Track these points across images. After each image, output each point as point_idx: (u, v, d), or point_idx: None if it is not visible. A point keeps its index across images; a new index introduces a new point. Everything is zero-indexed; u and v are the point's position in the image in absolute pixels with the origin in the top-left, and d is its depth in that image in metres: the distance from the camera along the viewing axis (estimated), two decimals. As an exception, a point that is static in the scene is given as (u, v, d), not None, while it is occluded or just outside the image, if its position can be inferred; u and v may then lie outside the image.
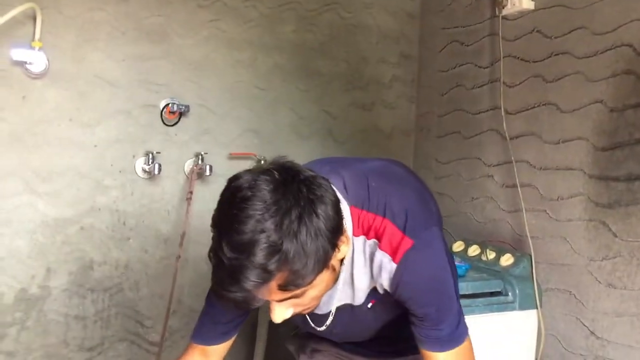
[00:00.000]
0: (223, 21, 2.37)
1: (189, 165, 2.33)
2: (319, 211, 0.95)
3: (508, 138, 2.18)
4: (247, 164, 2.44)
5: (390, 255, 1.08)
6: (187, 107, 2.29)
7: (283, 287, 0.95)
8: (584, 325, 1.90)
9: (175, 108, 2.26)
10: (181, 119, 2.31)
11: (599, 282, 1.85)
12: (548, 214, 2.04)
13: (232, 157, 2.41)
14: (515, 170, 2.14)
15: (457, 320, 1.17)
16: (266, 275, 0.91)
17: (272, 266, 0.91)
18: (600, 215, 1.86)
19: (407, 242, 1.08)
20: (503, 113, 2.20)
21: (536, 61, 2.11)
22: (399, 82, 2.77)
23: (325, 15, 2.58)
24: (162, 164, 2.24)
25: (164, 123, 2.28)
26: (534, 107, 2.11)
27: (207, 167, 2.29)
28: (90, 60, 2.15)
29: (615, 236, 1.80)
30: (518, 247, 2.12)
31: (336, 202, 1.00)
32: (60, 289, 2.15)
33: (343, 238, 1.02)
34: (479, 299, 1.93)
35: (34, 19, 2.02)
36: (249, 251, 0.90)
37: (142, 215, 2.27)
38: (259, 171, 0.97)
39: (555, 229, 2.01)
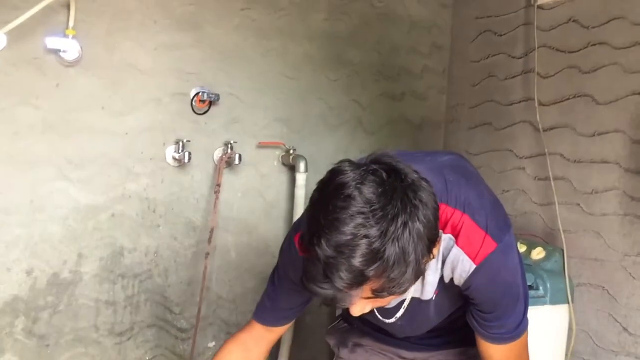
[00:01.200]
0: (254, 10, 2.37)
1: (218, 153, 2.34)
2: (422, 218, 0.92)
3: (541, 130, 2.14)
4: (276, 154, 2.44)
5: (469, 255, 1.06)
6: (217, 95, 2.29)
7: (377, 292, 0.93)
8: (617, 321, 1.87)
9: (205, 97, 2.27)
10: (211, 107, 2.32)
11: (633, 277, 1.81)
12: (582, 207, 2.00)
13: (261, 146, 2.42)
14: (548, 162, 2.11)
15: (519, 320, 1.17)
16: (362, 279, 0.89)
17: (370, 272, 0.89)
18: (636, 209, 1.81)
19: (491, 245, 1.06)
20: (537, 104, 2.16)
21: (572, 51, 2.07)
22: (430, 72, 2.73)
23: (357, 4, 2.56)
24: (192, 152, 2.25)
25: (194, 111, 2.29)
26: (569, 98, 2.07)
27: (236, 155, 2.29)
28: (122, 48, 2.17)
29: (652, 232, 1.76)
30: (550, 241, 2.09)
31: (437, 207, 0.97)
32: (91, 274, 2.18)
33: (438, 242, 1.00)
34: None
35: (68, 7, 2.04)
36: (349, 254, 0.88)
37: (171, 203, 2.29)
38: (365, 169, 0.93)
39: (589, 223, 1.97)
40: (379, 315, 1.26)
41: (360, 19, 2.57)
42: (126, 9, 2.16)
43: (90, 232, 2.17)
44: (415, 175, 0.95)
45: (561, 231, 2.02)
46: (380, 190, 0.90)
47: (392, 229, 0.88)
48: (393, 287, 0.92)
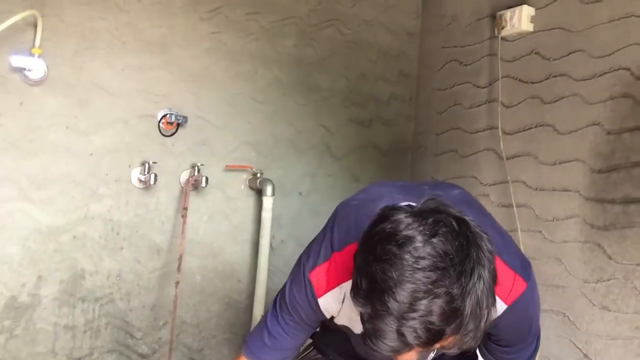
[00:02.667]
0: (224, 34, 2.38)
1: (184, 176, 2.32)
2: (491, 267, 0.89)
3: (505, 158, 2.18)
4: (243, 177, 2.44)
5: (500, 296, 1.03)
6: (185, 118, 2.29)
7: (446, 348, 0.90)
8: (577, 347, 1.89)
9: (173, 119, 2.26)
10: (179, 129, 2.31)
11: (593, 304, 1.85)
12: (543, 234, 2.04)
13: (228, 169, 2.41)
14: (511, 190, 2.15)
15: (534, 347, 1.18)
16: (439, 337, 0.86)
17: (448, 330, 0.85)
18: (596, 237, 1.85)
19: (521, 285, 1.06)
20: (500, 133, 2.21)
21: (534, 82, 2.12)
22: (397, 99, 2.77)
23: (326, 31, 2.59)
24: (158, 174, 2.23)
25: (161, 133, 2.28)
26: (531, 127, 2.12)
27: (203, 178, 2.28)
28: (90, 68, 2.15)
29: (610, 258, 1.80)
30: (513, 268, 2.11)
31: (494, 255, 0.92)
32: (50, 297, 2.13)
33: None
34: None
35: (35, 26, 2.02)
36: (427, 311, 0.84)
37: (136, 225, 2.26)
38: (434, 219, 0.88)
39: (550, 250, 2.01)
40: None
41: (329, 45, 2.60)
42: (95, 29, 2.15)
43: (50, 254, 2.12)
44: (478, 227, 0.91)
45: (524, 258, 2.05)
46: (456, 243, 0.86)
47: (470, 284, 0.85)
48: (467, 341, 0.88)
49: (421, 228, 0.86)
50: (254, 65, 2.45)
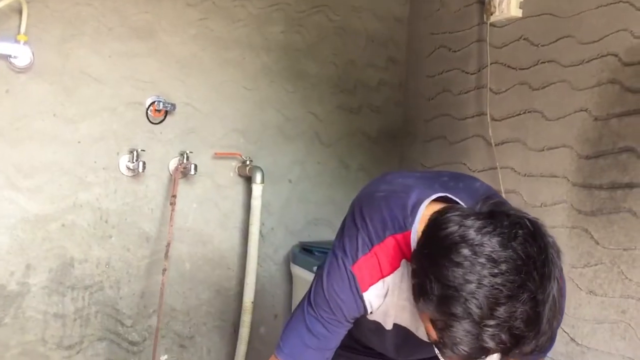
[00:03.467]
0: (211, 20, 2.36)
1: (173, 164, 2.31)
2: (561, 269, 0.89)
3: (493, 144, 2.19)
4: (232, 164, 2.43)
5: None
6: (173, 105, 2.28)
7: (523, 353, 0.89)
8: (565, 331, 1.92)
9: (161, 106, 2.25)
10: (167, 117, 2.29)
11: (580, 289, 1.87)
12: (531, 220, 2.05)
13: (217, 156, 2.40)
14: (499, 176, 2.16)
15: (554, 339, 1.17)
16: (519, 343, 0.85)
17: (530, 335, 0.85)
18: (583, 222, 1.87)
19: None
20: (489, 119, 2.21)
21: (522, 69, 2.13)
22: (386, 86, 2.77)
23: (314, 17, 2.58)
24: (147, 162, 2.23)
25: (150, 121, 2.26)
26: (520, 114, 2.13)
27: (192, 166, 2.27)
28: (76, 55, 2.13)
29: (597, 244, 1.82)
30: (501, 253, 2.13)
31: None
32: (39, 286, 2.12)
33: None
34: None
35: (20, 12, 2.00)
36: (510, 317, 0.83)
37: (124, 213, 2.25)
38: (507, 221, 0.87)
39: (538, 235, 2.02)
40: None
41: (318, 32, 2.59)
42: (80, 15, 2.13)
43: (39, 243, 2.11)
44: (550, 235, 0.90)
45: (512, 243, 2.07)
46: (535, 247, 0.85)
47: (549, 288, 0.84)
48: (541, 345, 0.87)
49: (497, 230, 0.85)
50: (242, 52, 2.43)
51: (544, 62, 2.04)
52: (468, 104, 2.39)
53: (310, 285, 1.19)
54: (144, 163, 2.20)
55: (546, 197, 2.01)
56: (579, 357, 1.87)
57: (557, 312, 0.86)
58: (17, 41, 1.99)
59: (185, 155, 2.30)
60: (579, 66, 1.92)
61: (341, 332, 1.17)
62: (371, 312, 1.13)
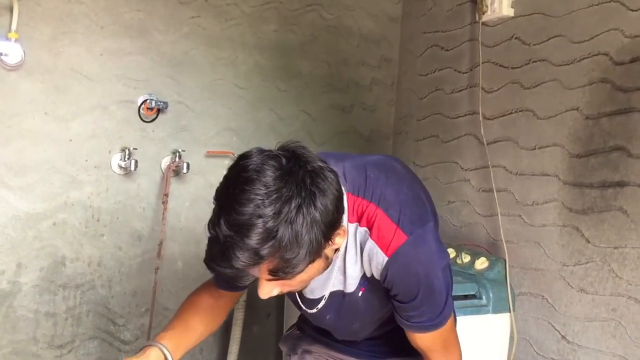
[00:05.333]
0: (204, 18, 2.36)
1: (165, 162, 2.31)
2: (318, 204, 0.96)
3: (485, 143, 2.20)
4: (225, 163, 2.43)
5: (381, 247, 1.09)
6: (166, 103, 2.27)
7: (273, 272, 0.97)
8: (556, 329, 1.93)
9: (153, 104, 2.24)
10: (159, 115, 2.29)
11: (571, 287, 1.88)
12: (523, 218, 2.06)
13: (210, 155, 2.40)
14: (491, 175, 2.16)
15: (439, 310, 1.19)
16: (257, 259, 0.94)
17: (264, 251, 0.93)
18: (574, 221, 1.88)
19: (401, 237, 1.08)
20: (481, 118, 2.22)
21: (514, 67, 2.14)
22: (379, 85, 2.77)
23: (307, 16, 2.58)
24: (139, 160, 2.22)
25: (142, 119, 2.26)
26: (512, 113, 2.14)
27: (184, 164, 2.27)
28: (68, 53, 2.12)
29: (588, 242, 1.83)
30: (493, 251, 2.14)
31: (339, 197, 1.01)
32: (30, 284, 2.11)
33: (339, 231, 1.04)
34: (454, 302, 1.93)
35: (11, 9, 1.99)
36: (244, 233, 0.92)
37: (116, 212, 2.24)
38: (268, 154, 0.98)
39: (530, 234, 2.03)
40: (302, 306, 1.29)
41: (310, 31, 2.59)
42: (72, 13, 2.12)
43: (30, 242, 2.10)
44: (319, 164, 1.00)
45: (503, 242, 2.07)
46: (277, 173, 0.95)
47: (285, 210, 0.93)
48: (287, 267, 0.96)
49: (255, 160, 0.97)
50: (235, 51, 2.43)
51: (536, 61, 2.05)
52: (460, 103, 2.39)
53: None
54: (136, 161, 2.20)
55: (538, 195, 2.01)
56: (570, 354, 1.88)
57: (302, 237, 0.94)
58: (7, 39, 1.98)
59: (177, 154, 2.30)
60: (570, 65, 1.92)
61: None
62: None
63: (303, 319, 1.52)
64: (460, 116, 2.39)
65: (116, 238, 2.25)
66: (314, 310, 1.26)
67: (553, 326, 1.94)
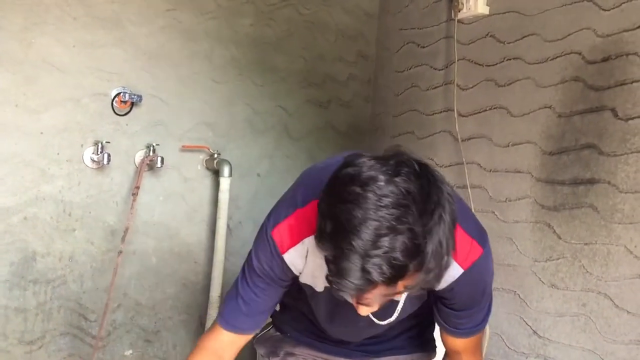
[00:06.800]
0: (180, 11, 2.33)
1: (139, 156, 2.28)
2: (452, 211, 0.91)
3: (460, 140, 2.22)
4: (200, 158, 2.41)
5: (457, 260, 1.06)
6: (140, 97, 2.24)
7: (409, 287, 0.92)
8: (527, 324, 1.95)
9: (127, 97, 2.21)
10: (133, 109, 2.26)
11: (543, 282, 1.90)
12: (496, 215, 2.08)
13: (185, 149, 2.38)
14: (466, 171, 2.18)
15: (485, 314, 1.21)
16: (402, 274, 0.87)
17: (411, 267, 0.87)
18: (546, 217, 1.90)
19: (477, 250, 1.08)
20: (456, 115, 2.24)
21: (489, 65, 2.15)
22: (356, 81, 2.78)
23: (284, 11, 2.57)
24: (112, 154, 2.19)
25: (115, 112, 2.23)
26: (486, 110, 2.15)
27: (159, 158, 2.25)
28: (39, 44, 2.08)
29: (560, 238, 1.85)
30: (466, 247, 2.15)
31: (454, 199, 0.96)
32: (0, 279, 2.07)
33: None
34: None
35: (-20, -1, 1.95)
36: (390, 247, 0.85)
37: (88, 206, 2.21)
38: (396, 160, 0.90)
39: (502, 230, 2.05)
40: (374, 318, 1.21)
41: (287, 25, 2.58)
42: (43, 3, 2.08)
43: (0, 236, 2.06)
44: (440, 174, 0.94)
45: (477, 238, 2.09)
46: (418, 183, 0.88)
47: (431, 223, 0.87)
48: (430, 280, 0.91)
49: (384, 168, 0.88)
50: (211, 45, 2.41)
51: (510, 59, 2.07)
52: (436, 100, 2.41)
53: None
54: (109, 155, 2.17)
55: (511, 192, 2.04)
56: (540, 349, 1.90)
57: (444, 249, 0.89)
58: (-23, 29, 1.94)
59: (151, 148, 2.27)
60: (543, 64, 1.95)
61: (273, 295, 1.23)
62: (300, 274, 1.17)
63: (282, 318, 1.46)
64: (435, 113, 2.40)
65: (88, 233, 2.22)
66: (385, 322, 1.21)
67: (524, 321, 1.96)
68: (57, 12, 2.10)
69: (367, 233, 0.85)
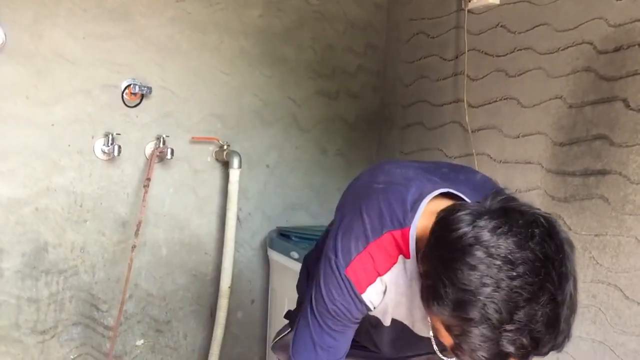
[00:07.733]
0: (189, 3, 2.33)
1: (149, 148, 2.29)
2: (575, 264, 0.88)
3: (470, 131, 2.21)
4: (209, 149, 2.42)
5: None
6: (150, 88, 2.25)
7: (541, 354, 0.87)
8: (537, 315, 1.95)
9: (137, 89, 2.22)
10: (143, 100, 2.27)
11: (553, 274, 1.90)
12: (506, 206, 2.07)
13: (194, 141, 2.38)
14: (475, 162, 2.17)
15: None
16: (540, 345, 0.84)
17: (549, 337, 0.83)
18: (556, 208, 1.90)
19: None
20: (466, 106, 2.23)
21: (499, 56, 2.14)
22: (365, 72, 2.77)
23: (293, 2, 2.56)
24: (122, 145, 2.20)
25: (125, 104, 2.24)
26: (496, 101, 2.14)
27: (169, 150, 2.25)
28: (50, 37, 2.09)
29: (570, 229, 1.85)
30: (476, 239, 2.15)
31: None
32: (12, 270, 2.10)
33: None
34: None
35: (-9, -9, 1.96)
36: (531, 320, 0.81)
37: (100, 198, 2.23)
38: (525, 221, 0.84)
39: (513, 221, 2.04)
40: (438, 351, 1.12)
41: (296, 16, 2.57)
42: (54, -4, 2.09)
43: (12, 227, 2.08)
44: (562, 231, 0.88)
45: (487, 229, 2.09)
46: (552, 246, 0.83)
47: (567, 288, 0.83)
48: (559, 344, 0.86)
49: (514, 230, 0.82)
50: (220, 36, 2.41)
51: (520, 50, 2.05)
52: (445, 91, 2.40)
53: (309, 290, 1.15)
54: (119, 147, 2.18)
55: (521, 183, 2.03)
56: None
57: (574, 310, 0.85)
58: (-12, 21, 1.95)
59: (161, 140, 2.28)
60: (554, 54, 1.93)
61: (349, 335, 1.14)
62: (374, 308, 1.11)
63: None
64: (445, 104, 2.39)
65: (100, 224, 2.24)
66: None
67: (534, 312, 1.96)
68: (67, 5, 2.11)
69: (501, 305, 0.79)
